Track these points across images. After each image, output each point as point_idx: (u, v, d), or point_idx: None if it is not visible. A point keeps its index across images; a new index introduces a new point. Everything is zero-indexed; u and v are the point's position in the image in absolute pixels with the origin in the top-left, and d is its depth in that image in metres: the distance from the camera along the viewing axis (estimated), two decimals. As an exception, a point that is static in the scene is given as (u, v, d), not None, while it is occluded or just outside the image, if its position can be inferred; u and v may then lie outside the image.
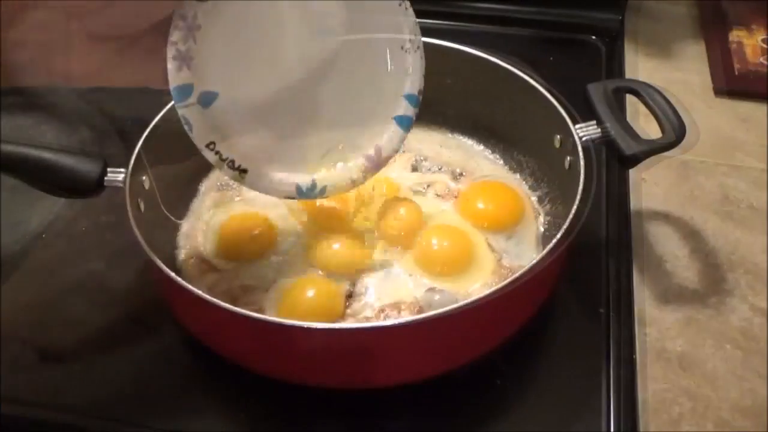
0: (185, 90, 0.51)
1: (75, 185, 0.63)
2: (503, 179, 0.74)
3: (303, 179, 0.59)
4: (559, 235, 0.56)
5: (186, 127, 0.53)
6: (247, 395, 0.61)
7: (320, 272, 0.64)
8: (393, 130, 0.60)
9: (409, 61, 0.58)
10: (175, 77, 0.50)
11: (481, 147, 0.78)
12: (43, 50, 0.46)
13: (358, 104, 0.59)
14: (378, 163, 0.60)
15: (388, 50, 0.58)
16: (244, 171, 0.56)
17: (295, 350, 0.56)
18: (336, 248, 0.65)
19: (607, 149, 0.64)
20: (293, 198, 0.59)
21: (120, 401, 0.60)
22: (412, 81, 0.59)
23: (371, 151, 0.60)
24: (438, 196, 0.72)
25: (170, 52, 0.49)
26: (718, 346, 0.62)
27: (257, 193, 0.73)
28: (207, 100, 0.53)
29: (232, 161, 0.55)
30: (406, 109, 0.60)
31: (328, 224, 0.68)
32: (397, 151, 0.61)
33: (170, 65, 0.49)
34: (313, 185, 0.59)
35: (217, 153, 0.54)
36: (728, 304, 0.65)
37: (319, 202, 0.70)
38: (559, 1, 1.02)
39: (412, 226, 0.67)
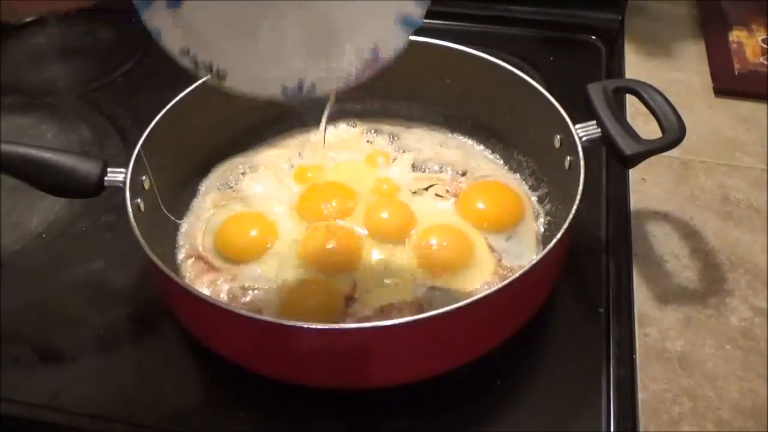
0: None
1: (75, 185, 0.63)
2: (503, 179, 0.74)
3: (289, 78, 0.53)
4: (559, 235, 0.56)
5: (154, 35, 0.48)
6: (247, 395, 0.61)
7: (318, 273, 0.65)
8: (396, 29, 0.52)
9: None
10: None
11: (481, 147, 0.78)
12: None
13: None
14: (374, 64, 0.53)
15: None
16: (224, 74, 0.51)
17: (295, 350, 0.56)
18: (328, 251, 0.65)
19: (607, 149, 0.64)
20: (279, 99, 0.54)
21: (120, 401, 0.60)
22: None
23: (368, 50, 0.53)
24: (438, 196, 0.72)
25: None
26: (718, 346, 0.62)
27: (257, 193, 0.73)
28: None
29: (210, 64, 0.51)
30: (414, 8, 0.52)
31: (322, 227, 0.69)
32: (397, 54, 0.53)
33: None
34: (300, 84, 0.53)
35: (193, 58, 0.50)
36: (728, 304, 0.65)
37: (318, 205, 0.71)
38: (559, 1, 1.02)
39: (399, 226, 0.67)
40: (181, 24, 0.49)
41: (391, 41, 0.53)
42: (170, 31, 0.48)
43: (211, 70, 0.51)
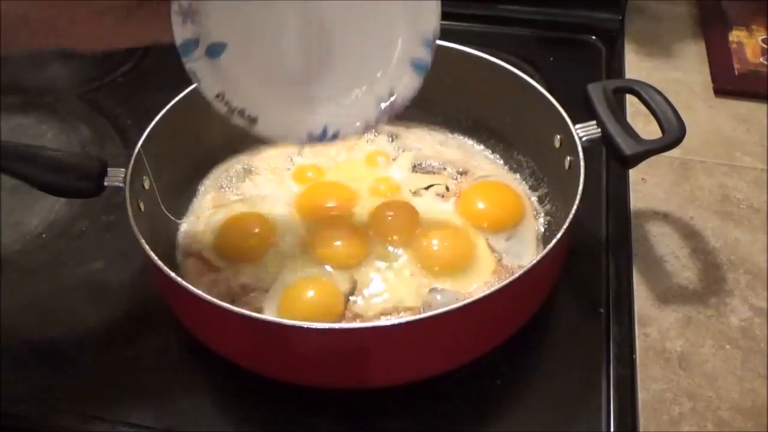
0: (191, 44, 0.51)
1: (75, 185, 0.63)
2: (503, 179, 0.74)
3: (314, 125, 0.58)
4: (559, 235, 0.56)
5: (194, 81, 0.53)
6: (247, 395, 0.61)
7: (322, 266, 0.64)
8: (408, 74, 0.58)
9: (426, 3, 0.57)
10: (180, 32, 0.50)
11: (481, 147, 0.78)
12: (45, 25, 0.47)
13: (373, 47, 0.57)
14: (392, 109, 0.58)
15: None
16: (255, 119, 0.56)
17: (295, 350, 0.56)
18: (336, 240, 0.66)
19: (607, 149, 0.64)
20: (305, 143, 0.63)
21: (120, 401, 0.60)
22: (428, 23, 0.57)
23: (385, 96, 0.58)
24: (438, 196, 0.72)
25: (174, 7, 0.49)
26: (718, 346, 0.62)
27: (257, 193, 0.73)
28: (215, 51, 0.53)
29: (242, 110, 0.55)
30: (423, 54, 0.58)
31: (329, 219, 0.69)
32: (411, 97, 0.58)
33: (174, 20, 0.49)
34: (325, 130, 0.58)
35: (226, 104, 0.54)
36: (728, 304, 0.65)
37: (320, 202, 0.71)
38: (559, 1, 1.02)
39: (405, 228, 0.67)
40: (218, 72, 0.54)
41: (407, 86, 0.58)
42: (208, 78, 0.53)
43: (243, 116, 0.55)
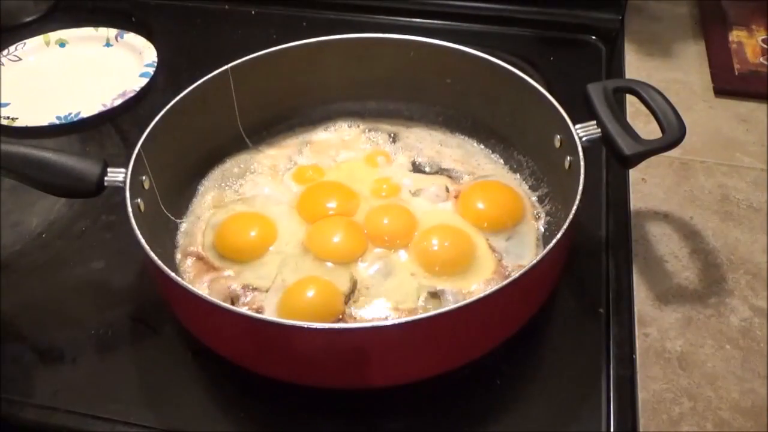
0: None
1: (75, 185, 0.63)
2: (503, 179, 0.74)
3: None
4: (559, 235, 0.56)
5: None
6: (247, 395, 0.61)
7: (322, 266, 0.64)
8: None
9: None
10: None
11: (481, 147, 0.78)
12: None
13: None
14: None
15: None
16: None
17: (295, 350, 0.56)
18: (336, 235, 0.66)
19: (607, 149, 0.64)
20: None
21: (120, 401, 0.60)
22: None
23: None
24: (438, 196, 0.72)
25: None
26: (718, 346, 0.62)
27: (257, 193, 0.73)
28: None
29: None
30: None
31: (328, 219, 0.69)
32: None
33: None
34: None
35: None
36: (728, 304, 0.65)
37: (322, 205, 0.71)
38: (559, 1, 1.02)
39: (399, 231, 0.67)
40: None
41: None
42: None
43: None
